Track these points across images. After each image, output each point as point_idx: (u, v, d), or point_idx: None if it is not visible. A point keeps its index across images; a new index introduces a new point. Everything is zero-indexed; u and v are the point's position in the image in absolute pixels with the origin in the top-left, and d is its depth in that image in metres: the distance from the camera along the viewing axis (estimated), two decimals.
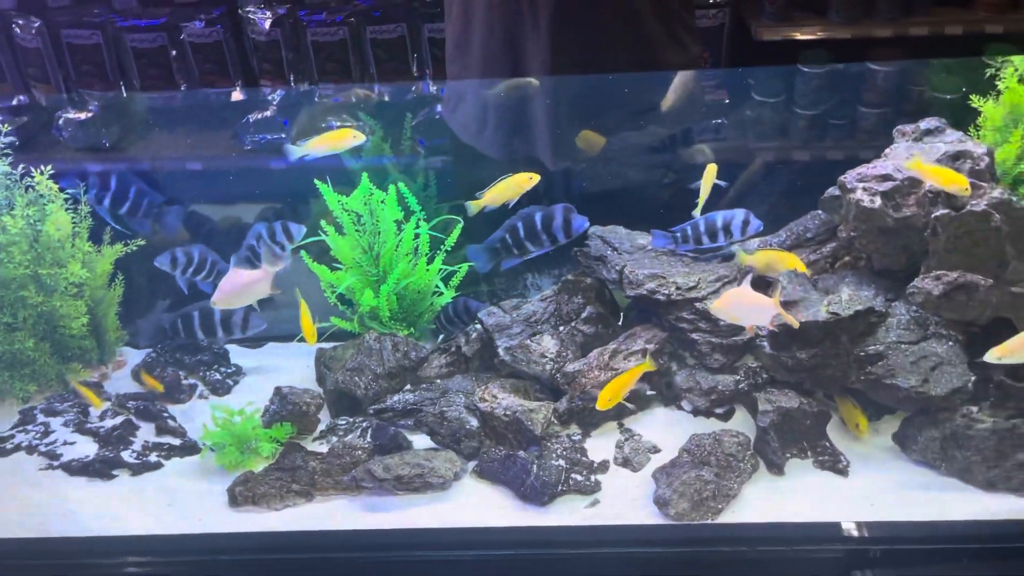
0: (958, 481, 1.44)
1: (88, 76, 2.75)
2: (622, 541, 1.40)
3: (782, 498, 1.44)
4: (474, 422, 1.56)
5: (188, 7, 2.75)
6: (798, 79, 2.44)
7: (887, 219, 1.49)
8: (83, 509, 1.48)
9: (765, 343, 1.54)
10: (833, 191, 1.60)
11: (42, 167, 1.69)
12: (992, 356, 1.32)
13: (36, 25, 2.70)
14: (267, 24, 2.65)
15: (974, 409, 1.44)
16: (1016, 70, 1.52)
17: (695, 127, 2.03)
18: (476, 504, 1.46)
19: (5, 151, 1.67)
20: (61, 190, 1.72)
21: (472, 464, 1.53)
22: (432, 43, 2.65)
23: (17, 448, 1.62)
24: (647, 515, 1.41)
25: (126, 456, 1.58)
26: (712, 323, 1.57)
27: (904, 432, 1.51)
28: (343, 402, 1.68)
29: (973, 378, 1.44)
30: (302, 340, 1.65)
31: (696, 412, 1.61)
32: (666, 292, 1.59)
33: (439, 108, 2.14)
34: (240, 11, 2.68)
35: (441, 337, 1.84)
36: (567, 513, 1.43)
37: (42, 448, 1.61)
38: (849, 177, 1.54)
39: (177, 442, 1.63)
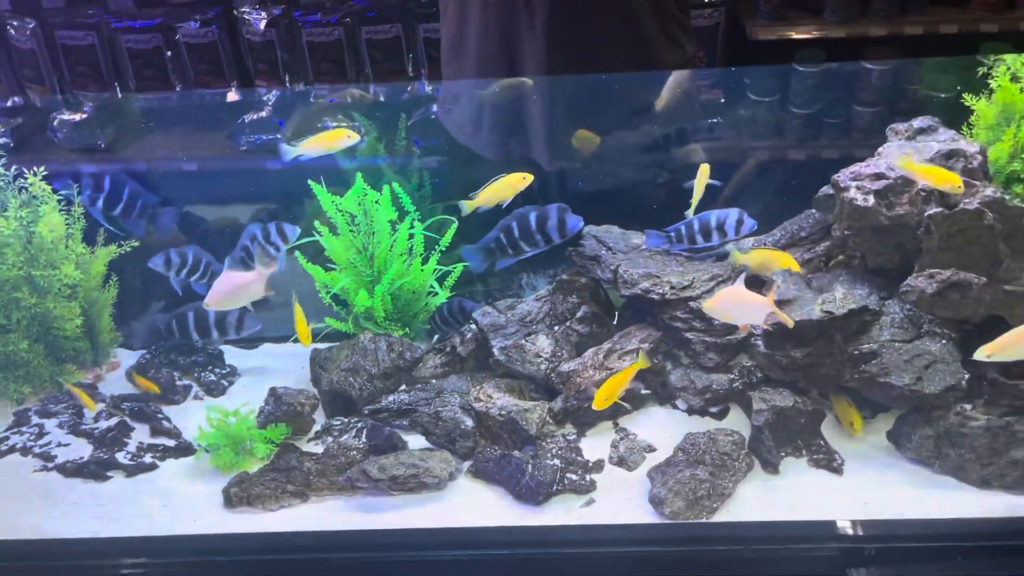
0: (952, 479, 1.45)
1: (83, 77, 2.75)
2: (617, 540, 1.41)
3: (777, 497, 1.44)
4: (469, 422, 1.56)
5: (183, 8, 2.75)
6: (793, 78, 2.44)
7: (880, 218, 1.49)
8: (78, 511, 1.48)
9: (759, 342, 1.54)
10: (827, 190, 1.61)
11: (35, 168, 1.69)
12: (982, 354, 1.32)
13: (31, 26, 2.69)
14: (262, 24, 2.64)
15: (968, 407, 1.45)
16: (1008, 69, 1.53)
17: (690, 127, 2.03)
18: (471, 504, 1.46)
19: None
20: (54, 191, 1.72)
21: (467, 464, 1.53)
22: (427, 43, 2.65)
23: (12, 450, 1.62)
24: (642, 514, 1.42)
25: (121, 457, 1.58)
26: (706, 322, 1.57)
27: (898, 430, 1.52)
28: (338, 403, 1.68)
29: (967, 376, 1.44)
30: (297, 341, 1.65)
31: (691, 411, 1.61)
32: (660, 291, 1.59)
33: (434, 108, 2.14)
34: (235, 11, 2.68)
35: (436, 337, 1.84)
36: (562, 512, 1.43)
37: (36, 450, 1.61)
38: (842, 176, 1.54)
39: (172, 443, 1.62)
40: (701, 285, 1.59)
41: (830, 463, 1.49)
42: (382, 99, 2.44)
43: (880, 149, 1.59)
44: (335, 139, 1.64)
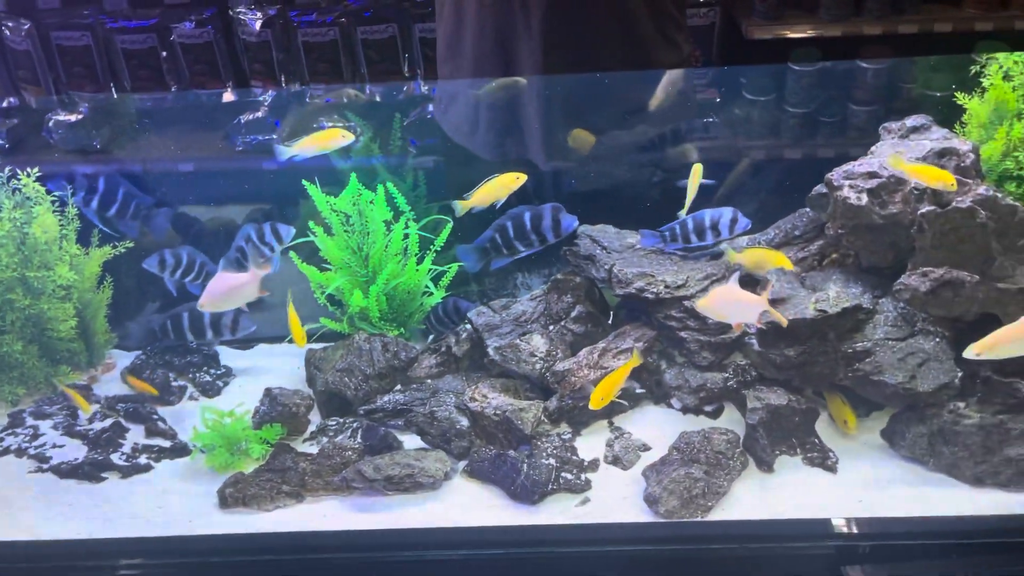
0: (946, 477, 1.45)
1: (78, 78, 2.74)
2: (612, 539, 1.41)
3: (771, 495, 1.44)
4: (464, 422, 1.56)
5: (178, 8, 2.74)
6: (789, 77, 2.45)
7: (874, 216, 1.49)
8: (73, 512, 1.48)
9: (753, 340, 1.54)
10: (821, 189, 1.61)
11: (28, 170, 1.69)
12: (971, 352, 1.33)
13: (26, 27, 2.69)
14: (258, 25, 2.64)
15: (961, 405, 1.45)
16: (1001, 67, 1.53)
17: (686, 126, 2.03)
18: (466, 503, 1.46)
19: None
20: (48, 192, 1.72)
21: (462, 464, 1.53)
22: (423, 43, 2.65)
23: (6, 451, 1.62)
24: (637, 513, 1.42)
25: (116, 459, 1.58)
26: (701, 321, 1.57)
27: (892, 428, 1.52)
28: (333, 403, 1.68)
29: (960, 374, 1.45)
30: (292, 341, 1.65)
31: (685, 410, 1.61)
32: (655, 291, 1.60)
33: (430, 108, 2.14)
34: (230, 12, 2.67)
35: (431, 337, 1.84)
36: (557, 512, 1.43)
37: (31, 451, 1.61)
38: (836, 175, 1.54)
39: (167, 444, 1.62)
40: (695, 284, 1.59)
41: (824, 461, 1.49)
42: (378, 99, 2.44)
43: (873, 148, 1.59)
44: (330, 139, 1.64)
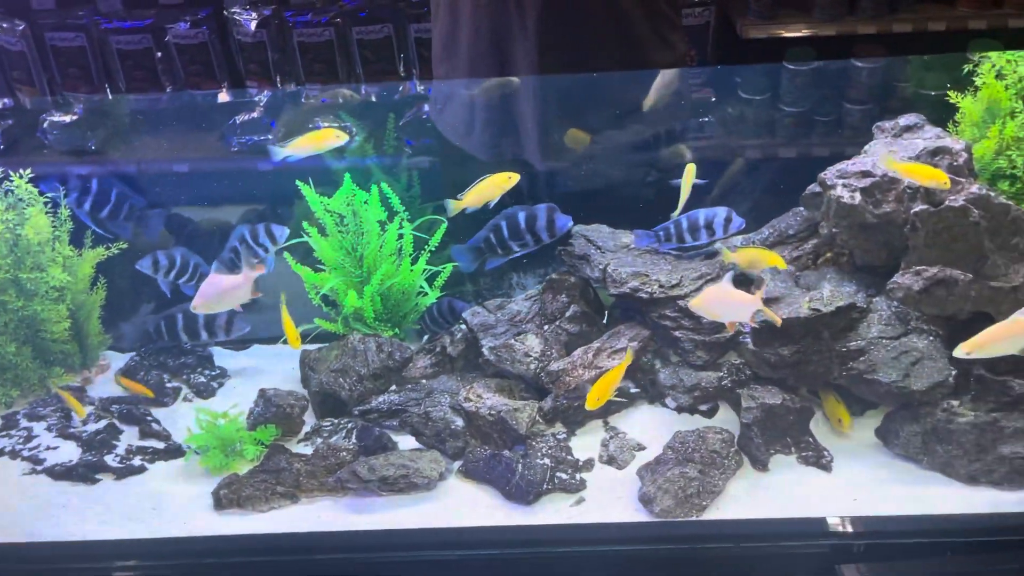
0: (940, 475, 1.46)
1: (73, 79, 2.73)
2: (607, 539, 1.41)
3: (766, 494, 1.44)
4: (459, 422, 1.56)
5: (173, 8, 2.74)
6: (783, 77, 2.45)
7: (867, 215, 1.50)
8: (67, 514, 1.48)
9: (748, 340, 1.54)
10: (814, 188, 1.61)
11: (21, 171, 1.68)
12: (961, 352, 1.33)
13: (20, 28, 2.68)
14: (253, 25, 2.64)
15: (955, 403, 1.45)
16: (993, 66, 1.53)
17: (681, 126, 2.04)
18: (461, 504, 1.46)
19: None
20: (41, 194, 1.71)
21: (457, 464, 1.53)
22: (419, 43, 2.65)
23: (0, 453, 1.62)
24: (632, 513, 1.42)
25: (109, 460, 1.58)
26: (695, 320, 1.58)
27: (886, 427, 1.52)
28: (328, 403, 1.68)
29: (954, 372, 1.45)
30: (287, 342, 1.64)
31: (680, 409, 1.61)
32: (649, 290, 1.60)
33: (426, 108, 2.14)
34: (225, 12, 2.67)
35: (426, 337, 1.84)
36: (552, 512, 1.43)
37: (25, 453, 1.61)
38: (829, 174, 1.54)
39: (161, 445, 1.62)
40: (689, 284, 1.59)
41: (819, 460, 1.50)
42: (373, 99, 2.44)
43: (867, 147, 1.59)
44: (324, 139, 1.63)
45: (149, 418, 1.67)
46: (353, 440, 1.58)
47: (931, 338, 1.49)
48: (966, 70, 1.56)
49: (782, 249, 1.67)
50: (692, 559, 1.40)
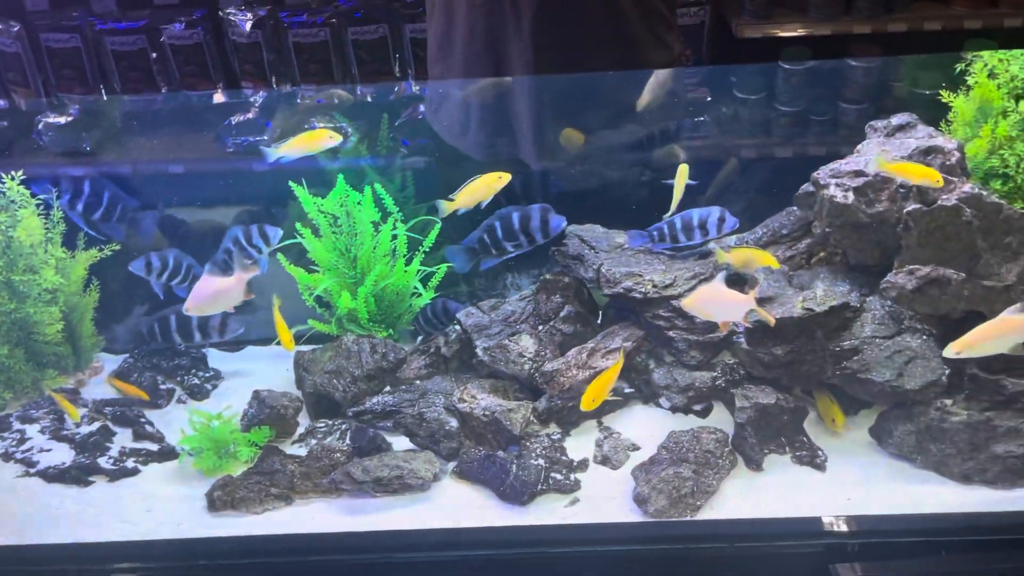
0: (934, 474, 1.46)
1: (68, 80, 2.73)
2: (602, 539, 1.41)
3: (760, 494, 1.44)
4: (453, 423, 1.56)
5: (168, 9, 2.73)
6: (779, 76, 2.45)
7: (860, 215, 1.50)
8: (60, 516, 1.47)
9: (742, 339, 1.54)
10: (808, 187, 1.61)
11: (12, 172, 1.68)
12: (950, 351, 1.33)
13: (15, 29, 2.67)
14: (248, 25, 2.63)
15: (948, 402, 1.45)
16: (986, 65, 1.53)
17: (677, 125, 2.04)
18: (456, 505, 1.46)
19: None
20: (33, 195, 1.71)
21: (452, 465, 1.53)
22: (414, 44, 2.64)
23: None
24: (626, 513, 1.42)
25: (103, 462, 1.58)
26: (689, 320, 1.58)
27: (880, 426, 1.52)
28: (322, 405, 1.67)
29: (947, 371, 1.45)
30: (281, 343, 1.64)
31: (674, 409, 1.61)
32: (642, 290, 1.60)
33: (422, 109, 2.14)
34: (220, 12, 2.66)
35: (420, 338, 1.84)
36: (547, 512, 1.43)
37: (18, 455, 1.60)
38: (822, 173, 1.54)
39: (155, 447, 1.62)
40: (683, 283, 1.59)
41: (813, 460, 1.50)
42: (369, 100, 2.43)
43: (859, 146, 1.59)
44: (316, 140, 1.63)
45: (143, 420, 1.67)
46: (347, 441, 1.58)
47: (924, 337, 1.49)
48: (958, 69, 1.56)
49: (776, 249, 1.67)
50: (686, 559, 1.40)
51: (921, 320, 1.49)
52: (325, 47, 2.66)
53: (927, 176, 1.42)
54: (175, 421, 1.66)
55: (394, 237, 1.75)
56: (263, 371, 1.80)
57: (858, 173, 1.51)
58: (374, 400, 1.64)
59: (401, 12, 2.66)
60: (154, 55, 2.68)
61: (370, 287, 1.73)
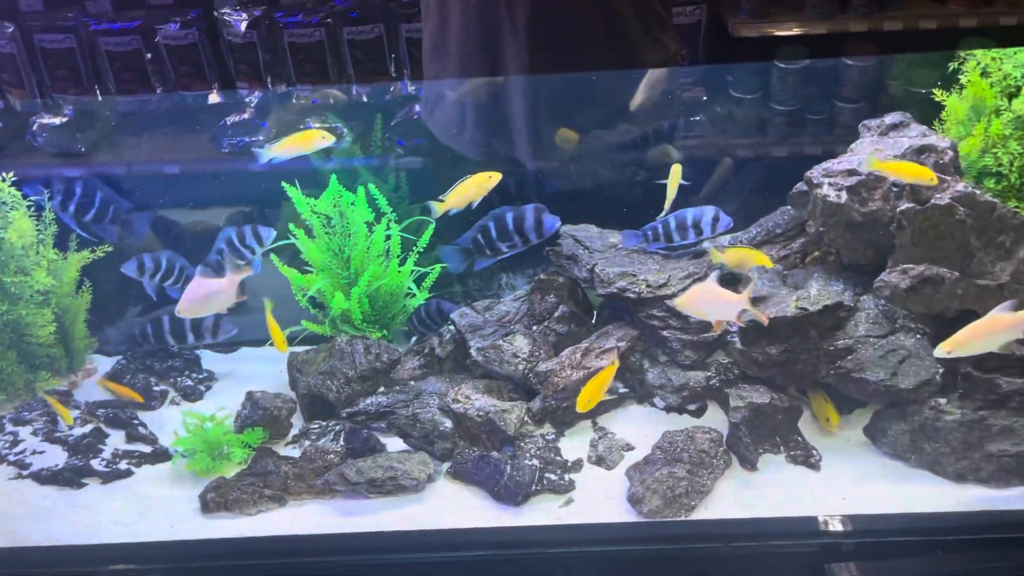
0: (928, 473, 1.46)
1: (62, 80, 2.72)
2: (596, 539, 1.41)
3: (755, 493, 1.44)
4: (448, 423, 1.56)
5: (163, 9, 2.73)
6: (775, 75, 2.45)
7: (853, 214, 1.50)
8: (53, 518, 1.47)
9: (736, 339, 1.54)
10: (801, 186, 1.61)
11: (4, 174, 1.67)
12: (941, 351, 1.33)
13: (9, 30, 2.67)
14: (243, 26, 2.62)
15: (942, 401, 1.45)
16: (979, 64, 1.53)
17: (672, 124, 2.03)
18: (450, 505, 1.46)
19: None
20: (25, 197, 1.70)
21: (446, 465, 1.53)
22: (410, 44, 2.64)
23: None
24: (621, 513, 1.42)
25: (96, 464, 1.57)
26: (683, 320, 1.57)
27: (874, 425, 1.52)
28: (316, 406, 1.67)
29: (941, 370, 1.45)
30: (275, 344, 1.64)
31: (669, 409, 1.61)
32: (636, 290, 1.59)
33: (417, 108, 2.14)
34: (215, 13, 2.66)
35: (414, 339, 1.83)
36: (541, 513, 1.43)
37: (11, 457, 1.60)
38: (815, 172, 1.54)
39: (148, 449, 1.61)
40: (677, 283, 1.59)
41: (807, 459, 1.50)
42: (365, 100, 2.43)
43: (852, 145, 1.59)
44: (309, 141, 1.63)
45: (136, 422, 1.67)
46: (341, 442, 1.57)
47: (918, 336, 1.49)
48: (951, 68, 1.56)
49: (770, 248, 1.67)
50: (681, 559, 1.40)
51: (915, 319, 1.49)
52: (321, 47, 2.66)
53: (920, 175, 1.42)
54: (168, 423, 1.66)
55: (388, 238, 1.75)
56: (257, 372, 1.80)
57: (851, 172, 1.51)
58: (368, 401, 1.63)
59: (397, 12, 2.66)
60: (149, 55, 2.67)
61: (364, 288, 1.72)
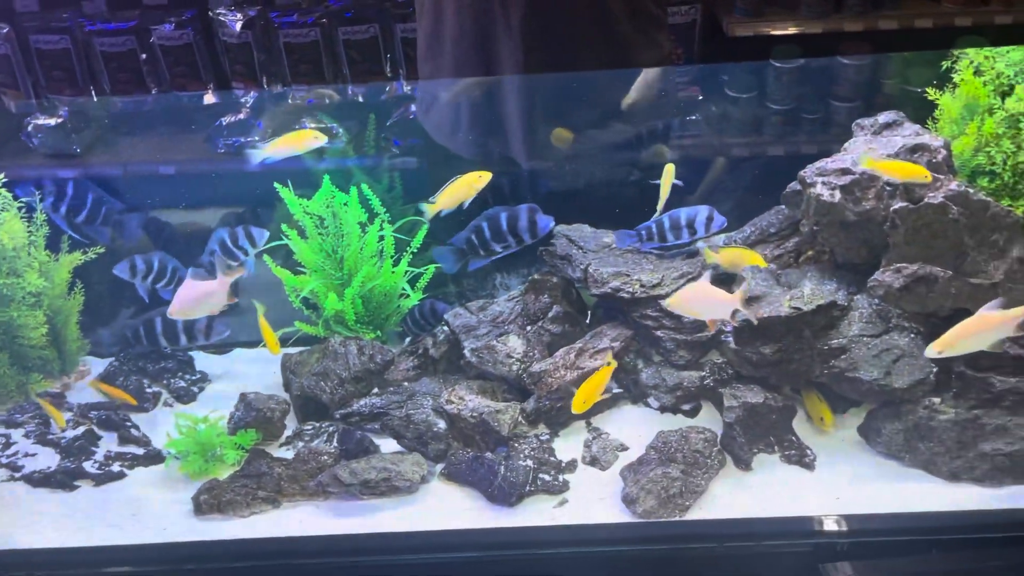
0: (922, 472, 1.45)
1: (57, 81, 2.72)
2: (590, 540, 1.40)
3: (749, 493, 1.44)
4: (441, 424, 1.55)
5: (158, 10, 2.72)
6: (770, 74, 2.45)
7: (847, 213, 1.49)
8: (45, 520, 1.46)
9: (730, 339, 1.54)
10: (795, 186, 1.61)
11: None
12: (932, 351, 1.32)
13: (4, 31, 2.66)
14: (238, 26, 2.62)
15: (936, 400, 1.45)
16: (971, 62, 1.53)
17: (667, 124, 2.03)
18: (444, 507, 1.46)
19: None
20: (16, 198, 1.70)
21: (440, 467, 1.52)
22: (405, 43, 2.64)
23: None
24: (615, 513, 1.41)
25: (88, 466, 1.57)
26: (677, 320, 1.57)
27: (869, 425, 1.52)
28: (309, 407, 1.67)
29: (935, 369, 1.45)
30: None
31: (663, 409, 1.61)
32: (630, 290, 1.59)
33: (413, 108, 2.13)
34: (210, 13, 2.65)
35: (408, 340, 1.83)
36: (535, 513, 1.43)
37: (3, 460, 1.59)
38: (808, 171, 1.54)
39: (141, 451, 1.61)
40: (671, 283, 1.59)
41: (802, 459, 1.49)
42: (360, 100, 2.43)
43: (846, 144, 1.59)
44: (302, 141, 1.62)
45: (128, 424, 1.66)
46: (334, 444, 1.57)
47: (912, 335, 1.48)
48: (945, 67, 1.56)
49: (764, 247, 1.66)
50: (675, 559, 1.40)
51: (909, 318, 1.49)
52: (316, 47, 2.65)
53: (914, 173, 1.42)
54: (161, 425, 1.65)
55: (381, 238, 1.75)
56: (250, 374, 1.80)
57: (845, 171, 1.50)
58: (361, 402, 1.63)
59: (392, 12, 2.65)
60: (144, 56, 2.67)
61: (357, 288, 1.72)
